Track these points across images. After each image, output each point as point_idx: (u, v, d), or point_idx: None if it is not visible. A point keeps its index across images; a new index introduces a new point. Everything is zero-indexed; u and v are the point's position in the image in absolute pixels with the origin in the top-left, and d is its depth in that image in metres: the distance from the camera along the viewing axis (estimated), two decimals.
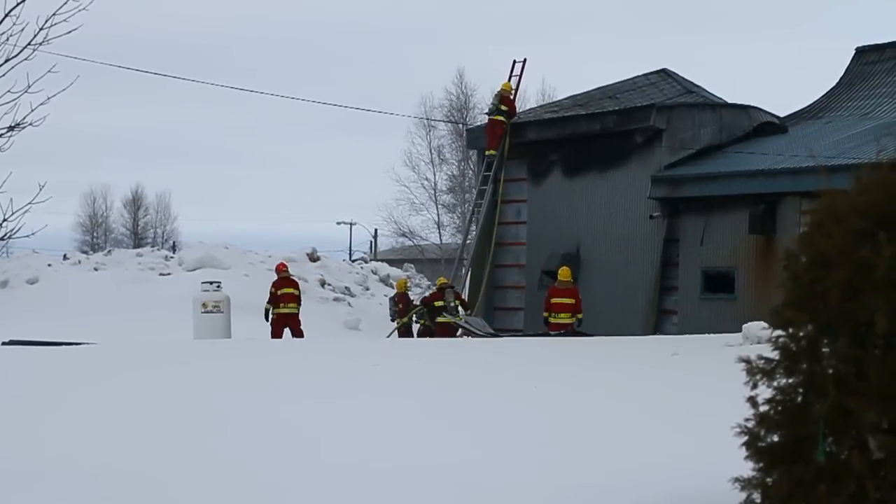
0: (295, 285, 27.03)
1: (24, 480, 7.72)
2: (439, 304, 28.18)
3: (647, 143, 27.27)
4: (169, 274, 39.96)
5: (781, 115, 30.08)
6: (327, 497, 7.35)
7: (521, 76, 31.73)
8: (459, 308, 27.97)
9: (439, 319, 27.67)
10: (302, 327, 26.32)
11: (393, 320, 29.68)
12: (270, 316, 26.29)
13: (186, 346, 19.63)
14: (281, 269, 27.61)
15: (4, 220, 10.30)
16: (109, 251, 47.56)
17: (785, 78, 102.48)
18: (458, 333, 27.19)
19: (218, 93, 77.09)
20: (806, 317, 5.56)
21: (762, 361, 5.65)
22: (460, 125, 57.96)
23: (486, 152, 30.33)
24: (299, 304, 26.72)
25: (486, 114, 31.58)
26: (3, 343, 21.61)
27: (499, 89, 31.01)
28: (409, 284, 32.79)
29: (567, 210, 28.77)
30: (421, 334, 28.45)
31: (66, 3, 10.56)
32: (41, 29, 10.44)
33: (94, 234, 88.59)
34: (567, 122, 29.47)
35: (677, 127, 27.43)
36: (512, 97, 31.11)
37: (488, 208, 30.21)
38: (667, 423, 10.13)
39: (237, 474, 7.96)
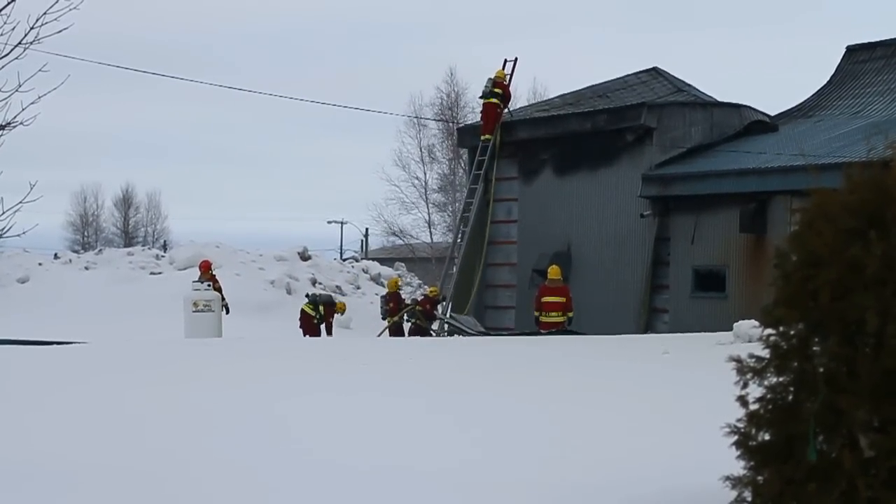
0: (211, 281, 27.24)
1: (14, 479, 7.70)
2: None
3: (637, 142, 27.30)
4: (160, 273, 39.98)
5: (772, 113, 30.15)
6: (318, 495, 7.34)
7: (511, 74, 31.73)
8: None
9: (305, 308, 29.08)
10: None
11: (384, 319, 29.74)
12: None
13: (177, 345, 19.60)
14: (201, 267, 28.20)
15: None
16: (100, 250, 47.56)
17: (775, 76, 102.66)
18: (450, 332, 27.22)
19: (208, 91, 77.11)
20: (797, 315, 5.56)
21: (753, 360, 5.66)
22: (451, 124, 57.91)
23: (482, 137, 30.32)
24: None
25: (480, 97, 31.48)
26: None
27: (493, 75, 30.99)
28: (400, 284, 32.81)
29: (558, 209, 28.78)
30: (412, 333, 28.48)
31: (56, 2, 10.54)
32: (32, 28, 10.42)
33: (85, 234, 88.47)
34: (558, 121, 29.50)
35: (668, 125, 27.46)
36: (506, 83, 31.07)
37: (479, 207, 30.22)
38: (658, 421, 10.13)
39: (229, 473, 7.95)
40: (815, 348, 5.56)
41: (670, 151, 27.22)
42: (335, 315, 29.45)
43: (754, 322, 14.67)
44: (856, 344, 5.46)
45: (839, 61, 31.16)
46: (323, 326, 28.62)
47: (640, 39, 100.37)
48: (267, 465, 8.15)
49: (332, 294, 31.33)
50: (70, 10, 10.54)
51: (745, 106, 29.29)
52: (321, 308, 28.83)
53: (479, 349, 18.38)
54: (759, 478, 5.62)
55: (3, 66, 10.44)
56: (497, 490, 7.37)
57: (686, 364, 14.75)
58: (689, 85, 31.28)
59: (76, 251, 59.51)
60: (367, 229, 70.52)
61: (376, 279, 43.00)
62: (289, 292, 37.80)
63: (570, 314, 24.54)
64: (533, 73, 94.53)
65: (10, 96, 10.25)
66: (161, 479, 7.75)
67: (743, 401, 5.72)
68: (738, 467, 5.73)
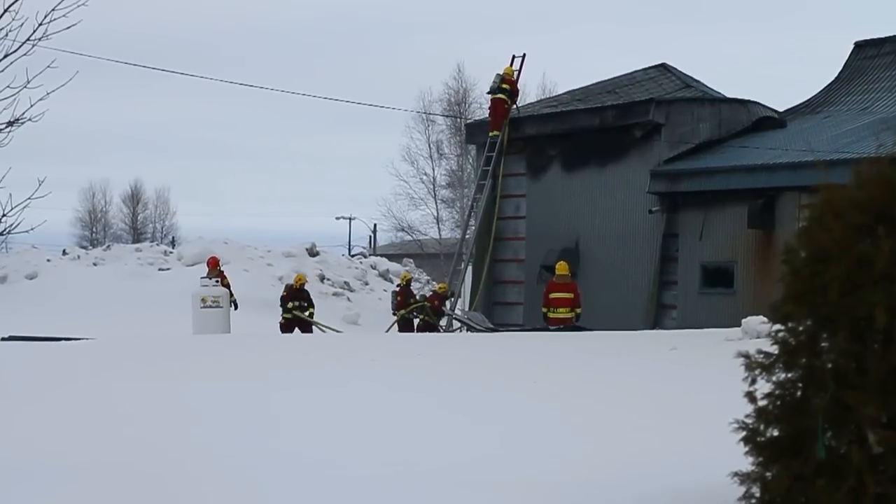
0: (220, 278, 27.26)
1: (14, 477, 7.71)
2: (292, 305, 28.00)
3: (646, 138, 27.27)
4: (168, 269, 40.03)
5: (780, 109, 30.11)
6: (322, 493, 7.34)
7: (520, 70, 31.68)
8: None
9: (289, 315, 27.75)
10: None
11: (394, 313, 29.76)
12: None
13: (185, 341, 19.63)
14: (209, 264, 28.24)
15: (4, 215, 10.28)
16: (108, 246, 47.61)
17: (783, 72, 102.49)
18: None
19: (217, 88, 77.21)
20: (805, 311, 5.55)
21: (761, 356, 5.65)
22: (459, 120, 57.93)
23: (490, 133, 30.31)
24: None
25: (488, 93, 31.47)
26: (3, 339, 21.63)
27: (501, 71, 30.98)
28: (409, 279, 32.82)
29: (566, 205, 28.76)
30: (421, 329, 28.48)
31: None
32: (40, 24, 10.42)
33: (94, 230, 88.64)
34: (566, 117, 29.46)
35: (676, 121, 27.43)
36: (514, 79, 31.06)
37: (487, 203, 30.21)
38: (666, 417, 10.13)
39: (229, 472, 7.95)
40: (823, 344, 5.56)
41: (678, 147, 27.18)
42: (305, 289, 28.69)
43: (762, 318, 14.66)
44: (864, 340, 5.45)
45: (847, 57, 31.10)
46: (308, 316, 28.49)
47: (648, 35, 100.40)
48: (268, 464, 8.14)
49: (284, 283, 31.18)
50: (78, 6, 10.53)
51: (753, 102, 29.24)
52: (289, 302, 28.17)
53: (486, 345, 18.38)
54: (768, 474, 5.62)
55: (12, 63, 10.45)
56: (503, 487, 7.36)
57: (694, 360, 14.73)
58: (697, 81, 31.24)
59: (84, 247, 59.54)
60: (375, 225, 70.62)
61: (385, 275, 43.01)
62: None
63: (579, 310, 24.52)
64: (543, 68, 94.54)
65: (18, 92, 10.24)
66: (160, 477, 7.75)
67: (751, 397, 5.71)
68: (747, 463, 5.73)
